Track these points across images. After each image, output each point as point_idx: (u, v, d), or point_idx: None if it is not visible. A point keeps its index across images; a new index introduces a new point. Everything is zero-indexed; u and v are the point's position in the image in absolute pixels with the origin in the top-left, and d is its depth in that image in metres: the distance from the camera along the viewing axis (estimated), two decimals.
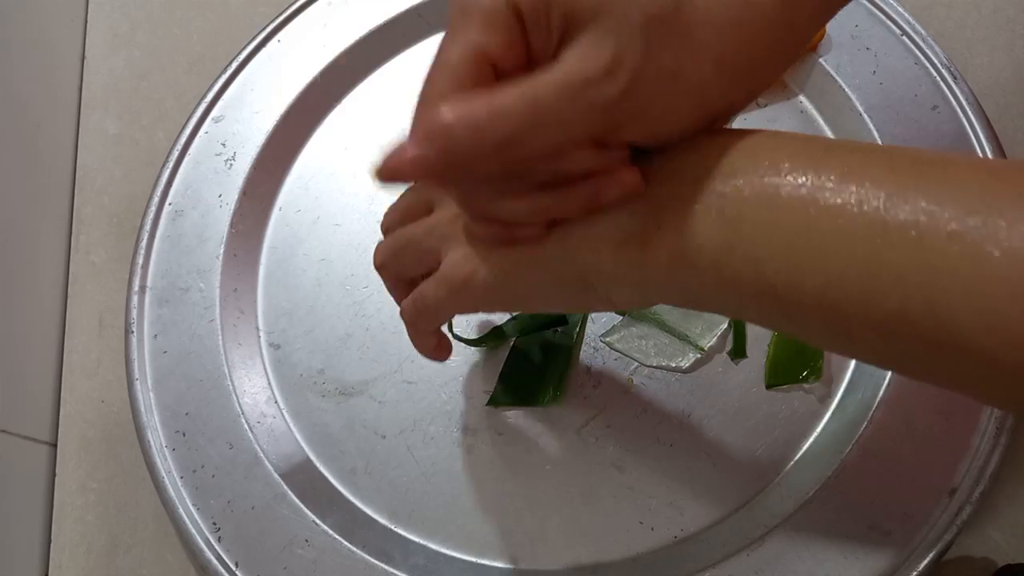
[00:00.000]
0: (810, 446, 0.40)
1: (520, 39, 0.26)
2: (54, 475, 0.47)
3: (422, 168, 0.26)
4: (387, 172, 0.26)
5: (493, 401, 0.43)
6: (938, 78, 0.45)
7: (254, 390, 0.45)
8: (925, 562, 0.36)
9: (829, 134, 0.47)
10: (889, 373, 0.40)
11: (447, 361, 0.44)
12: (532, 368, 0.43)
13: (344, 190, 0.50)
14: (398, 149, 0.26)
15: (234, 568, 0.40)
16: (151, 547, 0.45)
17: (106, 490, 0.47)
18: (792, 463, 0.40)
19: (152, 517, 0.46)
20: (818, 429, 0.41)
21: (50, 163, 0.53)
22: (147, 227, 0.48)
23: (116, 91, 0.56)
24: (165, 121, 0.54)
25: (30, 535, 0.46)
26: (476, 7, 0.26)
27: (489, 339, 0.44)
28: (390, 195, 0.48)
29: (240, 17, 0.57)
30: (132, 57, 0.57)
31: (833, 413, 0.41)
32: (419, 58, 0.52)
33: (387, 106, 0.51)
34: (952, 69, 0.45)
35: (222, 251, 0.48)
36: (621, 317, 0.44)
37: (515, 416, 0.43)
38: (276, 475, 0.42)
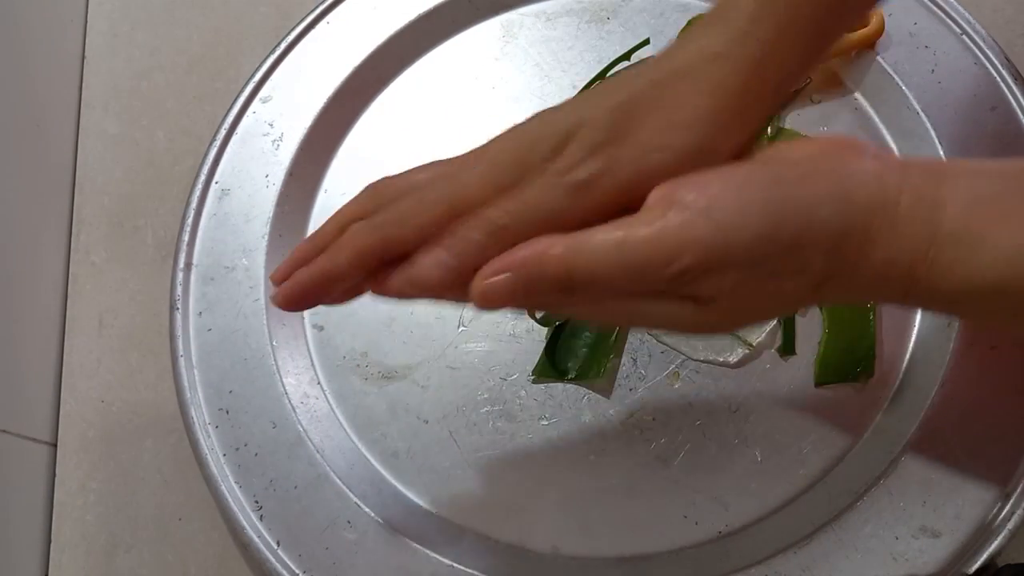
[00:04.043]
0: (860, 445, 0.40)
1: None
2: (54, 475, 0.47)
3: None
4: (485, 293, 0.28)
5: (537, 372, 0.43)
6: (997, 78, 0.45)
7: (297, 370, 0.45)
8: (976, 566, 0.36)
9: (884, 132, 0.46)
10: (942, 374, 0.40)
11: (491, 349, 0.44)
12: (577, 343, 0.43)
13: (390, 174, 0.49)
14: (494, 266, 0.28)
15: (276, 547, 0.40)
16: (151, 547, 0.45)
17: (106, 490, 0.47)
18: (841, 462, 0.40)
19: (152, 517, 0.46)
20: (868, 429, 0.40)
21: (50, 163, 0.53)
22: (193, 204, 0.48)
23: (116, 91, 0.55)
24: (165, 121, 0.54)
25: (30, 535, 0.46)
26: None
27: (550, 317, 0.44)
28: None
29: (240, 17, 0.56)
30: (132, 57, 0.56)
31: (884, 413, 0.41)
32: (468, 43, 0.52)
33: (434, 91, 0.51)
34: (1012, 69, 0.45)
35: (268, 231, 0.48)
36: None
37: (559, 405, 0.43)
38: (319, 456, 0.42)
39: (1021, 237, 0.26)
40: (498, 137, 0.30)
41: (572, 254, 0.27)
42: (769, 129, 0.46)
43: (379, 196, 0.32)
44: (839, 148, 0.29)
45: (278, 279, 0.32)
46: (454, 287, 0.29)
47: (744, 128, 0.29)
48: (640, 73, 0.29)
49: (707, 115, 0.28)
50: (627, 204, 0.28)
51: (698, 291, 0.27)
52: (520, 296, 0.28)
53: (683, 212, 0.26)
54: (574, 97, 0.31)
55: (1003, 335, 0.40)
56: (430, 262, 0.29)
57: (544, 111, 0.30)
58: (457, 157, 0.31)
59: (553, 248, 0.27)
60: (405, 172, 0.33)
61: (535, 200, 0.28)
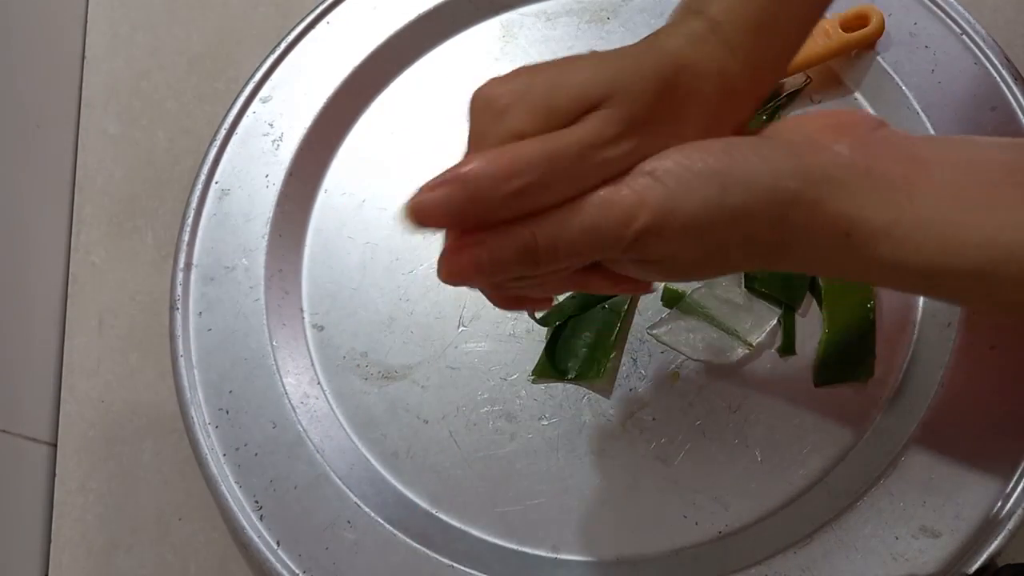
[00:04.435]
0: (859, 445, 0.40)
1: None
2: (54, 475, 0.47)
3: (444, 206, 0.27)
4: (411, 209, 0.27)
5: (537, 372, 0.43)
6: (997, 78, 0.45)
7: (297, 370, 0.45)
8: (976, 566, 0.36)
9: None
10: (942, 374, 0.40)
11: (491, 349, 0.44)
12: (577, 343, 0.43)
13: (390, 174, 0.49)
14: (424, 187, 0.27)
15: (276, 547, 0.40)
16: (151, 547, 0.45)
17: (106, 490, 0.47)
18: (841, 462, 0.40)
19: (152, 517, 0.46)
20: (868, 429, 0.40)
21: (50, 163, 0.53)
22: (193, 204, 0.48)
23: (116, 91, 0.56)
24: (165, 121, 0.54)
25: (30, 535, 0.46)
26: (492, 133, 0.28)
27: (552, 317, 0.44)
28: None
29: (240, 17, 0.56)
30: (132, 57, 0.56)
31: (884, 413, 0.41)
32: (468, 43, 0.52)
33: (434, 91, 0.51)
34: (1012, 69, 0.45)
35: (268, 231, 0.48)
36: (669, 310, 0.44)
37: (559, 405, 0.43)
38: (319, 456, 0.42)
39: (986, 228, 0.27)
40: (505, 80, 0.29)
41: (535, 223, 0.27)
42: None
43: None
44: (823, 127, 0.29)
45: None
46: (450, 224, 0.28)
47: (740, 114, 0.30)
48: (655, 48, 0.29)
49: (713, 111, 0.29)
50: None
51: (648, 254, 0.28)
52: (488, 269, 0.27)
53: (639, 178, 0.27)
54: (594, 53, 0.29)
55: (1003, 335, 0.40)
56: (433, 194, 0.27)
57: (558, 61, 0.29)
58: (469, 120, 0.29)
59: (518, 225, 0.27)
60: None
61: (563, 162, 0.27)
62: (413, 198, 0.27)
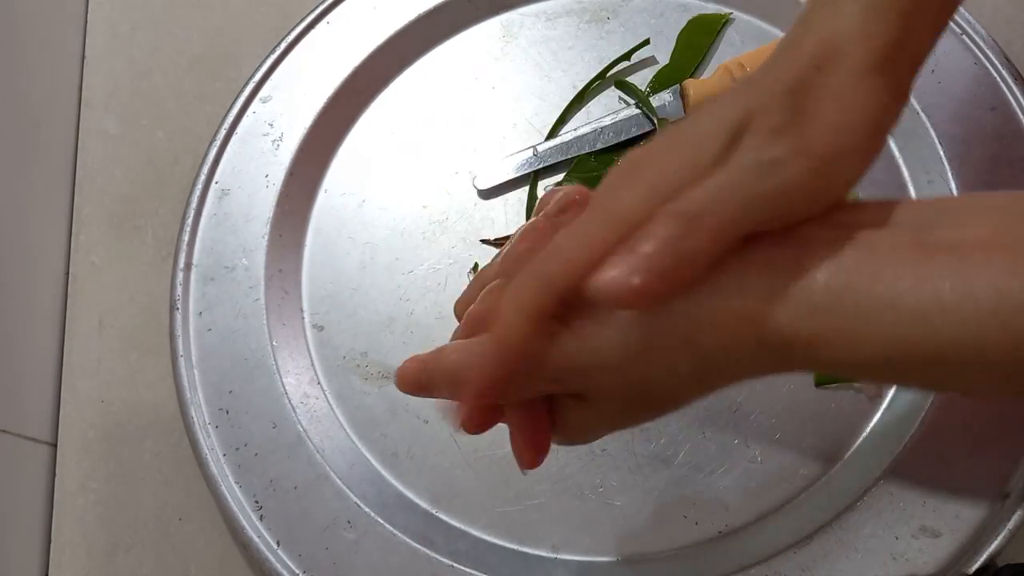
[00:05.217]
0: (860, 445, 0.40)
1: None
2: (54, 475, 0.47)
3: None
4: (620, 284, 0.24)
5: None
6: (997, 78, 0.45)
7: (297, 370, 0.45)
8: (976, 566, 0.36)
9: None
10: None
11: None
12: None
13: (390, 174, 0.49)
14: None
15: (276, 547, 0.40)
16: (151, 547, 0.45)
17: (106, 490, 0.47)
18: (841, 462, 0.40)
19: (152, 517, 0.46)
20: (868, 428, 0.40)
21: (50, 163, 0.53)
22: (193, 204, 0.48)
23: (116, 91, 0.55)
24: (165, 121, 0.54)
25: (30, 535, 0.46)
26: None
27: None
28: (435, 179, 0.49)
29: (240, 17, 0.56)
30: (132, 57, 0.56)
31: (884, 412, 0.41)
32: (468, 43, 0.52)
33: (434, 92, 0.51)
34: (1012, 69, 0.45)
35: (268, 231, 0.48)
36: None
37: None
38: (319, 456, 0.42)
39: (908, 296, 0.23)
40: (649, 147, 0.26)
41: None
42: None
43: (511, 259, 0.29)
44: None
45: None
46: (660, 294, 0.24)
47: (899, 102, 0.27)
48: (788, 54, 0.26)
49: (872, 92, 0.26)
50: (815, 197, 0.25)
51: (573, 387, 0.27)
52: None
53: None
54: (725, 92, 0.27)
55: None
56: (627, 268, 0.24)
57: (698, 111, 0.27)
58: (602, 185, 0.26)
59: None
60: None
61: (726, 183, 0.24)
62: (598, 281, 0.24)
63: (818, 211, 0.26)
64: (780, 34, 0.49)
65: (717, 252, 0.24)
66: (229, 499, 0.41)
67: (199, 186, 0.48)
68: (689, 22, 0.50)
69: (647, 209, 0.24)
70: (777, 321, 0.24)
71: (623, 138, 0.48)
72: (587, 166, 0.48)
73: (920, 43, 0.27)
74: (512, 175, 0.48)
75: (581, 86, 0.49)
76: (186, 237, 0.47)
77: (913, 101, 0.45)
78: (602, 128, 0.48)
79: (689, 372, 0.26)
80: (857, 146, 0.26)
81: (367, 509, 0.41)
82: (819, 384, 0.42)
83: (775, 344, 0.25)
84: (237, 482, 0.42)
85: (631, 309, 0.25)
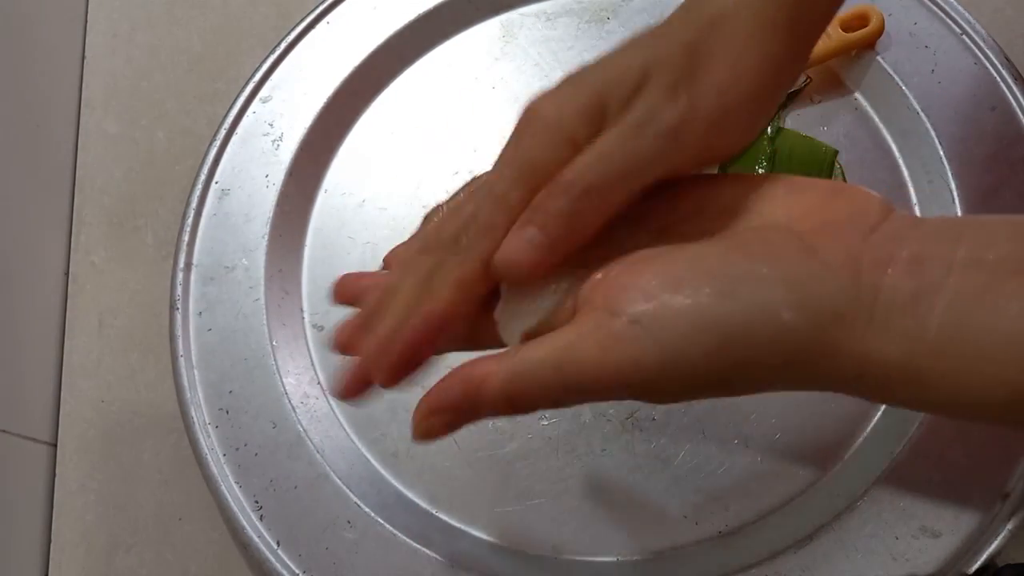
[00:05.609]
0: (860, 445, 0.40)
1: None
2: (54, 475, 0.47)
3: (538, 247, 0.26)
4: (506, 264, 0.26)
5: None
6: (997, 78, 0.45)
7: (297, 370, 0.45)
8: (976, 566, 0.36)
9: (884, 132, 0.46)
10: None
11: (494, 347, 0.44)
12: None
13: (390, 174, 0.49)
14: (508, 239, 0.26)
15: (276, 547, 0.40)
16: (151, 547, 0.45)
17: (106, 490, 0.47)
18: (841, 462, 0.40)
19: (152, 517, 0.46)
20: (868, 428, 0.40)
21: (50, 163, 0.53)
22: (193, 204, 0.48)
23: (116, 91, 0.56)
24: (165, 121, 0.54)
25: (30, 535, 0.46)
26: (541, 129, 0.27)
27: None
28: (435, 180, 0.49)
29: (240, 17, 0.56)
30: (132, 57, 0.56)
31: (884, 412, 0.41)
32: (468, 43, 0.52)
33: (434, 91, 0.51)
34: (1012, 69, 0.45)
35: (268, 231, 0.47)
36: None
37: None
38: (319, 456, 0.42)
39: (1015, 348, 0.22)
40: (553, 92, 0.27)
41: (510, 383, 0.25)
42: (769, 129, 0.46)
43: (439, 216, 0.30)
44: (821, 226, 0.25)
45: (344, 347, 0.29)
46: (550, 263, 0.26)
47: (796, 58, 0.28)
48: (693, 10, 0.27)
49: (763, 48, 0.27)
50: (707, 154, 0.27)
51: (641, 397, 0.26)
52: (456, 423, 0.26)
53: (627, 329, 0.24)
54: (631, 40, 0.28)
55: None
56: (517, 243, 0.26)
57: (603, 58, 0.28)
58: (515, 134, 0.27)
59: (489, 379, 0.25)
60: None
61: (621, 153, 0.26)
62: (499, 259, 0.26)
63: (714, 164, 0.27)
64: None
65: (610, 211, 0.26)
66: (229, 499, 0.41)
67: (199, 186, 0.48)
68: None
69: (555, 162, 0.26)
70: (883, 355, 0.23)
71: None
72: None
73: (819, 4, 0.28)
74: None
75: None
76: (186, 237, 0.47)
77: (913, 101, 0.45)
78: None
79: (766, 382, 0.25)
80: (743, 105, 0.27)
81: (367, 509, 0.41)
82: None
83: (877, 376, 0.24)
84: (237, 482, 0.42)
85: (528, 280, 0.27)
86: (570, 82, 0.27)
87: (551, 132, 0.26)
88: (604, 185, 0.26)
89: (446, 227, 0.28)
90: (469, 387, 0.26)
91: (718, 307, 0.24)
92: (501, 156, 0.27)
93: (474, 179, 0.30)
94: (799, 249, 0.25)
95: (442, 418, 0.26)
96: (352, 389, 0.29)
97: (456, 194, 0.30)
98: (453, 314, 0.27)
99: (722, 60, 0.26)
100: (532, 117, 0.27)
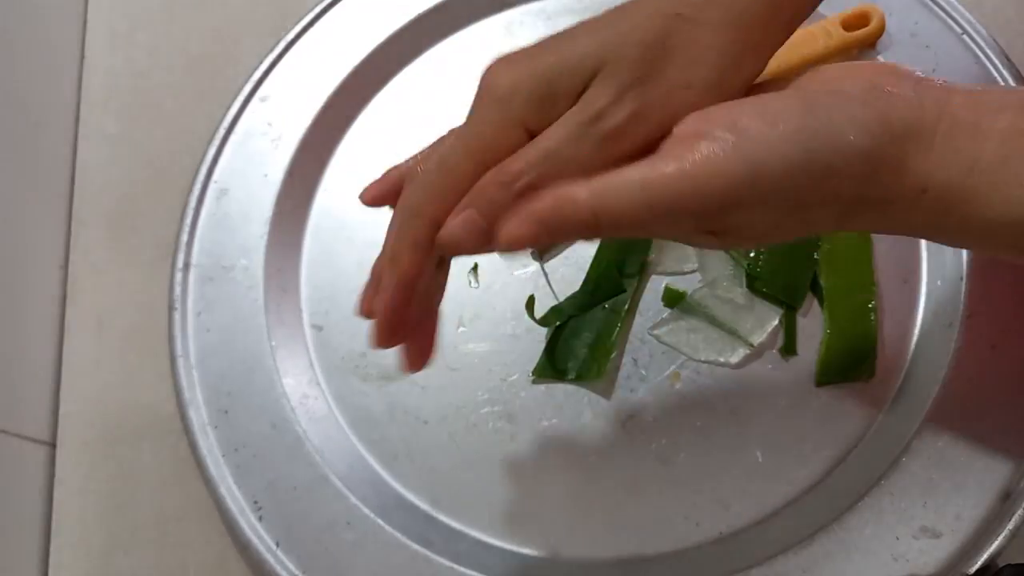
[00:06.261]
0: (861, 445, 0.40)
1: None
2: (54, 475, 0.47)
3: (472, 233, 0.29)
4: (447, 245, 0.29)
5: (537, 373, 0.43)
6: (997, 78, 0.45)
7: (296, 371, 0.45)
8: (977, 566, 0.36)
9: None
10: (943, 374, 0.40)
11: (491, 349, 0.44)
12: (577, 343, 0.43)
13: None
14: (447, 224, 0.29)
15: (275, 547, 0.40)
16: (151, 547, 0.45)
17: (106, 490, 0.46)
18: (842, 462, 0.40)
19: (152, 517, 0.45)
20: (869, 429, 0.40)
21: (50, 163, 0.53)
22: (192, 204, 0.48)
23: (116, 91, 0.55)
24: (164, 121, 0.54)
25: (30, 535, 0.45)
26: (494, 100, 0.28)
27: (550, 317, 0.44)
28: None
29: (240, 17, 0.56)
30: (132, 57, 0.56)
31: (885, 413, 0.41)
32: (468, 42, 0.52)
33: (435, 91, 0.51)
34: (1012, 69, 0.45)
35: (267, 231, 0.47)
36: (670, 310, 0.44)
37: (559, 406, 0.43)
38: (318, 457, 0.42)
39: None
40: (511, 64, 0.28)
41: (597, 199, 0.26)
42: None
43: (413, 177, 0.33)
44: (877, 73, 0.27)
45: (366, 311, 0.32)
46: (488, 242, 0.28)
47: (758, 61, 0.29)
48: (651, 4, 0.28)
49: (726, 49, 0.27)
50: (653, 145, 0.27)
51: (724, 225, 0.27)
52: (545, 239, 0.27)
53: (712, 145, 0.25)
54: (586, 24, 0.28)
55: (1004, 335, 0.40)
56: (459, 225, 0.28)
57: (564, 34, 0.29)
58: (472, 105, 0.29)
59: (578, 195, 0.26)
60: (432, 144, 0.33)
61: (563, 153, 0.27)
62: (442, 236, 0.29)
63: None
64: None
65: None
66: (228, 500, 0.41)
67: (198, 186, 0.48)
68: None
69: (504, 142, 0.28)
70: (945, 173, 0.26)
71: None
72: None
73: (791, 6, 0.29)
74: None
75: None
76: (185, 237, 0.47)
77: None
78: None
79: (845, 205, 0.27)
80: (696, 104, 0.27)
81: (366, 510, 0.41)
82: (820, 384, 0.41)
83: (938, 192, 0.26)
84: (236, 483, 0.42)
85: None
86: (528, 56, 0.29)
87: (502, 111, 0.28)
88: (543, 184, 0.27)
89: (407, 192, 0.31)
90: (559, 201, 0.27)
91: (802, 120, 0.26)
92: (460, 127, 0.30)
93: (440, 139, 0.32)
94: (868, 85, 0.27)
95: (531, 228, 0.27)
96: (382, 342, 0.32)
97: (424, 150, 0.33)
98: (415, 274, 0.30)
99: (678, 64, 0.27)
100: (488, 88, 0.28)
